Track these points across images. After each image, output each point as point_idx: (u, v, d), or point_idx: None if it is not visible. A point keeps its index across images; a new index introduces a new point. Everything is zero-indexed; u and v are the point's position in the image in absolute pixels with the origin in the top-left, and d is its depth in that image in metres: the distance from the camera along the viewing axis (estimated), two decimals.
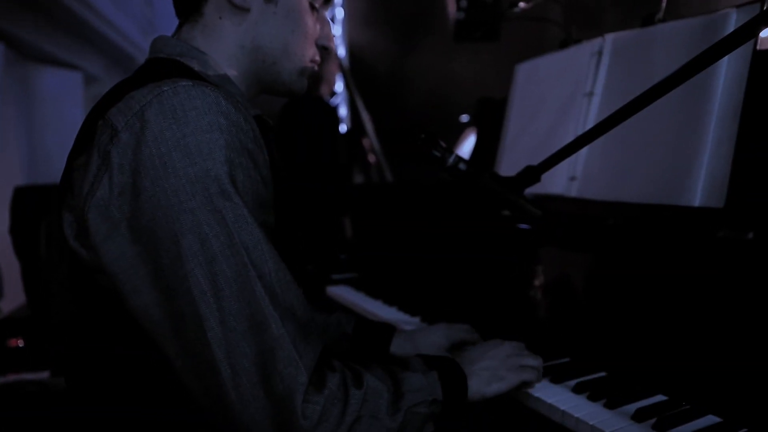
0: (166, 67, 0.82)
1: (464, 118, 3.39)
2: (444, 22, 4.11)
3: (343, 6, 5.32)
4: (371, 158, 3.34)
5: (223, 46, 0.87)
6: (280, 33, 0.88)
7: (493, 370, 0.88)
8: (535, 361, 0.93)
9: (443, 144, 0.92)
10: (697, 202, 0.97)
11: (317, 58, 0.95)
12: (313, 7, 0.92)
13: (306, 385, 0.67)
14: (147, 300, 0.69)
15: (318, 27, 0.95)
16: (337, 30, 5.28)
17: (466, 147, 3.08)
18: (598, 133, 0.79)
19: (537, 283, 1.19)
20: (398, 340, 1.13)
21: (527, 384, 0.92)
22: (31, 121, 3.50)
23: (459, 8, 4.18)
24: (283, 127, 3.01)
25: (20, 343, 2.12)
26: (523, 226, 1.28)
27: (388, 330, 1.15)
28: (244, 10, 0.86)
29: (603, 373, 0.99)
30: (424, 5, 4.77)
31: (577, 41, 1.31)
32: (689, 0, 1.71)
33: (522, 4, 1.26)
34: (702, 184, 0.97)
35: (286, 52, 0.89)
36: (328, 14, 0.98)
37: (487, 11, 4.10)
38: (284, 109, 3.06)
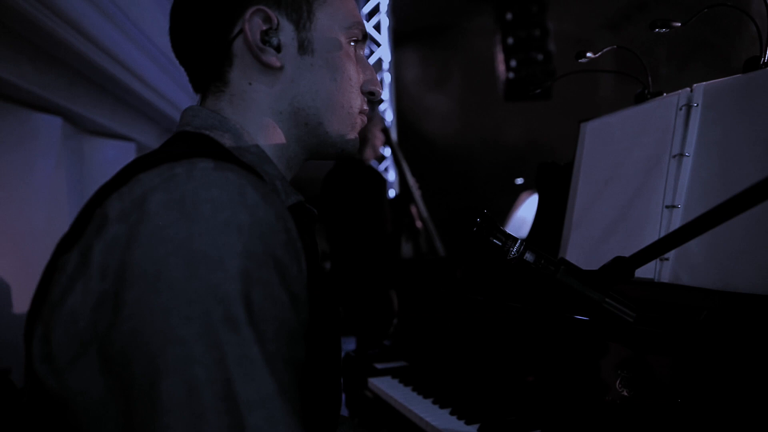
0: (190, 142, 0.66)
1: (519, 180, 3.20)
2: (493, 82, 3.99)
3: (389, 70, 5.32)
4: (418, 224, 3.17)
5: (257, 116, 0.71)
6: (323, 86, 0.73)
7: None
8: None
9: (504, 230, 0.72)
10: None
11: (365, 107, 0.78)
12: (356, 41, 0.77)
13: None
14: None
15: (360, 70, 0.79)
16: (385, 95, 5.25)
17: (522, 212, 2.85)
18: (722, 218, 0.57)
19: (611, 388, 0.96)
20: None
21: None
22: (83, 194, 3.53)
23: (509, 68, 4.08)
24: (326, 195, 2.88)
25: None
26: (581, 317, 1.07)
27: None
28: (277, 68, 0.71)
29: None
30: (472, 65, 4.70)
31: (657, 94, 1.11)
32: None
33: (590, 55, 1.07)
34: None
35: (332, 107, 0.73)
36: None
37: (538, 69, 3.98)
38: (328, 176, 2.95)
